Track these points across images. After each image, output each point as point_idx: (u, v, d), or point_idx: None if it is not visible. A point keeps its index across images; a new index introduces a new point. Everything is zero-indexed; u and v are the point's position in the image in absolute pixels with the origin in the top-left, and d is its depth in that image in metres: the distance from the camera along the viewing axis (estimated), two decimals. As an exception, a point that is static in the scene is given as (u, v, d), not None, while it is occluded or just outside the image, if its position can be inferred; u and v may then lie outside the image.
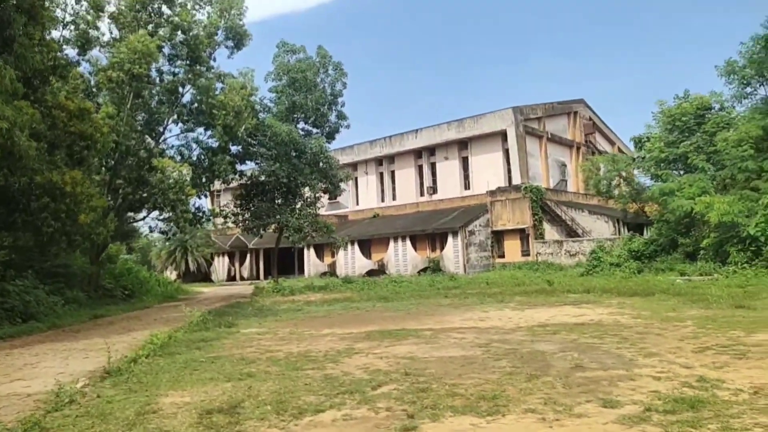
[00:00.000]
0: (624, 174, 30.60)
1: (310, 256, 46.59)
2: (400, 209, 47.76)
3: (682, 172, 23.11)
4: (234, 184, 29.54)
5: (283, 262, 51.57)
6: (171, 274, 48.53)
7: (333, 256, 45.49)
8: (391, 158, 49.26)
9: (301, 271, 46.86)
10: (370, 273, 41.50)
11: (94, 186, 16.65)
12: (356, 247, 43.09)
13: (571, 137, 47.75)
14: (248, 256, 49.88)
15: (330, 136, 29.60)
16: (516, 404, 5.27)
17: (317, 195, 29.35)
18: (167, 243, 48.83)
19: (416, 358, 8.15)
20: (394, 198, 49.47)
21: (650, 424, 4.44)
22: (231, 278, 50.27)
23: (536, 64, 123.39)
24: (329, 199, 32.04)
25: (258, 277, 48.50)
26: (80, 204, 14.28)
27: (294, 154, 27.49)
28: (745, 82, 24.32)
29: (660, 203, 22.26)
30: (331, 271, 45.20)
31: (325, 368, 7.76)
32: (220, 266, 51.54)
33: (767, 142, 21.37)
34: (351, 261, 43.61)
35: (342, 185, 29.99)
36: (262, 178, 26.97)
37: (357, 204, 50.26)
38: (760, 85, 24.58)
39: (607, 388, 5.75)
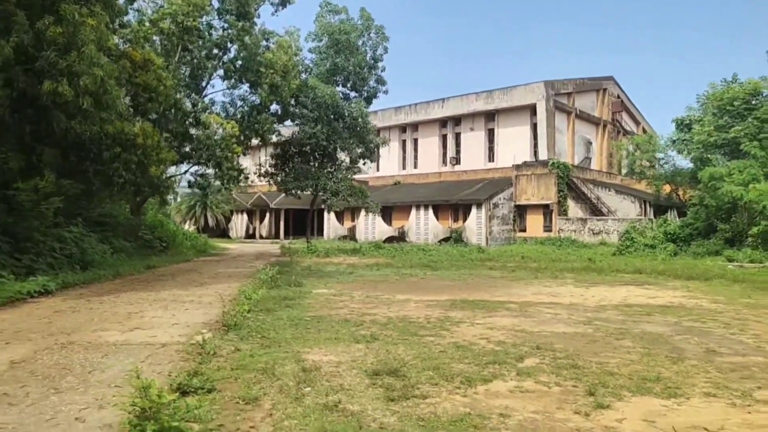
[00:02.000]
0: (660, 155, 30.41)
1: (330, 219, 46.74)
2: (421, 178, 47.72)
3: (728, 158, 23.00)
4: (270, 143, 29.37)
5: (302, 223, 51.98)
6: (189, 229, 48.77)
7: (353, 220, 45.70)
8: (414, 126, 48.93)
9: (320, 233, 47.06)
10: (390, 239, 41.72)
11: (162, 138, 16.55)
12: (377, 213, 43.22)
13: (599, 115, 47.35)
14: (267, 215, 50.01)
15: (368, 101, 29.32)
16: (687, 387, 5.39)
17: (354, 159, 29.23)
18: (187, 197, 48.94)
19: (528, 331, 8.28)
20: (415, 166, 49.36)
21: None
22: (249, 236, 50.58)
23: (564, 36, 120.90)
24: (363, 164, 31.88)
25: (277, 236, 48.78)
26: (150, 156, 14.22)
27: (333, 117, 27.25)
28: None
29: (708, 187, 22.26)
30: (351, 235, 45.47)
31: (443, 336, 7.89)
32: (239, 223, 51.77)
33: (820, 133, 21.34)
34: (371, 226, 43.83)
35: (383, 151, 29.82)
36: (303, 139, 26.79)
37: (378, 170, 50.11)
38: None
39: (762, 374, 5.88)
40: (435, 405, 4.87)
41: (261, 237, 49.48)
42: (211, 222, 49.46)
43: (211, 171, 25.13)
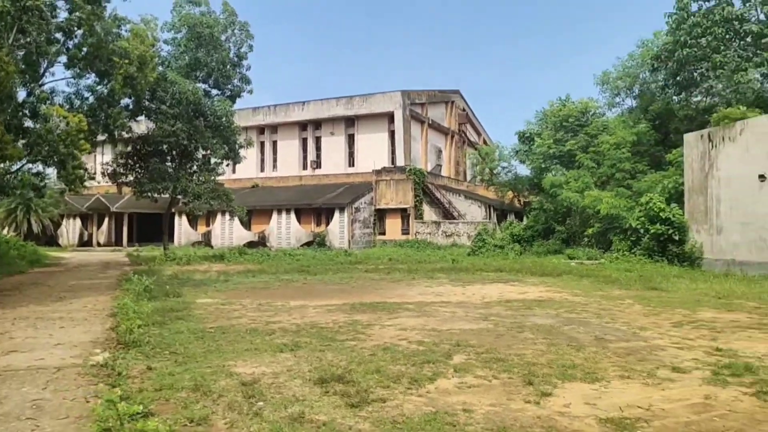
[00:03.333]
0: (504, 164, 33.59)
1: (182, 223, 43.87)
2: (281, 181, 46.95)
3: (565, 168, 26.24)
4: (119, 140, 26.66)
5: (146, 229, 47.86)
6: (9, 235, 42.29)
7: (208, 224, 43.40)
8: (274, 128, 48.02)
9: (170, 238, 43.84)
10: (249, 244, 40.39)
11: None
12: (235, 217, 41.62)
13: (448, 125, 50.70)
14: (107, 219, 45.31)
15: (232, 99, 28.09)
16: (601, 372, 6.10)
17: (217, 160, 27.75)
18: (7, 200, 42.43)
19: (438, 329, 8.68)
20: (275, 169, 48.42)
21: (736, 385, 5.55)
22: (83, 243, 45.31)
23: (416, 49, 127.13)
24: (227, 165, 30.44)
25: (118, 243, 44.41)
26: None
27: (194, 114, 25.67)
28: (616, 92, 28.20)
29: (549, 194, 25.12)
30: (206, 240, 43.11)
31: (362, 339, 7.95)
32: (71, 229, 46.14)
33: (639, 147, 25.32)
34: (229, 231, 42.05)
35: (242, 152, 28.72)
36: (160, 138, 24.74)
37: (234, 172, 48.12)
38: (626, 97, 28.71)
39: (651, 356, 6.87)
40: (398, 407, 4.93)
41: (99, 244, 44.59)
42: (35, 228, 43.28)
43: (50, 170, 22.17)
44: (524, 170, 33.91)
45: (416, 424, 4.48)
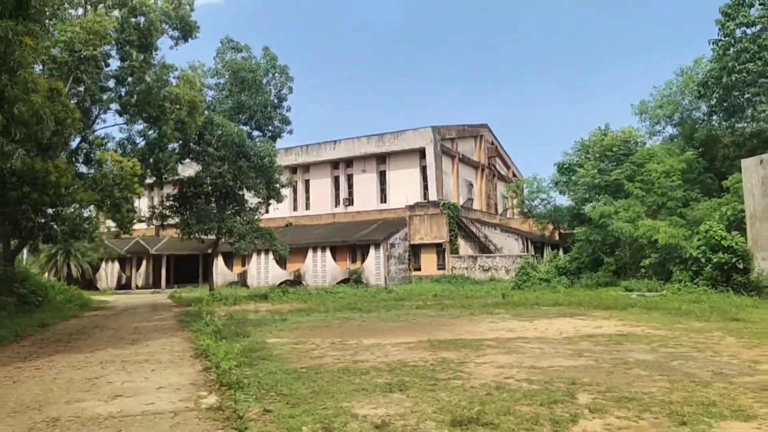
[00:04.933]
0: (543, 196, 33.29)
1: (218, 264, 44.06)
2: (314, 219, 47.17)
3: (612, 198, 25.81)
4: (166, 183, 27.17)
5: (183, 271, 48.23)
6: (50, 280, 42.97)
7: (243, 264, 43.60)
8: (306, 167, 48.59)
9: (205, 279, 44.07)
10: (284, 283, 40.34)
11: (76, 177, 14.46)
12: (270, 256, 41.78)
13: (477, 159, 50.74)
14: (145, 262, 45.82)
15: (273, 140, 28.55)
16: (748, 409, 5.71)
17: (259, 201, 28.02)
18: (47, 245, 43.28)
19: (538, 367, 8.32)
20: (307, 208, 48.74)
21: None
22: (121, 286, 45.78)
23: (444, 86, 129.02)
24: (268, 205, 30.71)
25: (156, 285, 44.73)
26: (64, 196, 12.37)
27: (239, 156, 26.07)
28: (656, 120, 27.93)
29: (598, 224, 24.67)
30: (242, 281, 43.24)
31: (464, 378, 7.64)
32: (110, 273, 46.74)
33: (688, 175, 24.93)
34: (264, 271, 42.16)
35: (284, 191, 28.97)
36: (207, 179, 25.13)
37: (266, 212, 48.60)
38: (666, 125, 28.41)
39: (787, 389, 6.44)
40: (557, 451, 4.62)
41: (137, 287, 45.02)
42: (75, 272, 44.01)
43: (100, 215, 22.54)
44: (563, 201, 33.54)
45: (592, 470, 4.16)
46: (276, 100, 28.61)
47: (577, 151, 31.48)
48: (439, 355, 9.48)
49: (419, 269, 41.04)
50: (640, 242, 22.86)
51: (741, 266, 18.78)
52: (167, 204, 26.96)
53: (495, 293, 24.80)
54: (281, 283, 39.79)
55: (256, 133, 28.61)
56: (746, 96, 24.74)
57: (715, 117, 27.20)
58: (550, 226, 34.37)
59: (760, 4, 24.77)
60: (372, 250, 38.82)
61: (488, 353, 9.62)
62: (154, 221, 27.30)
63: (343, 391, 6.92)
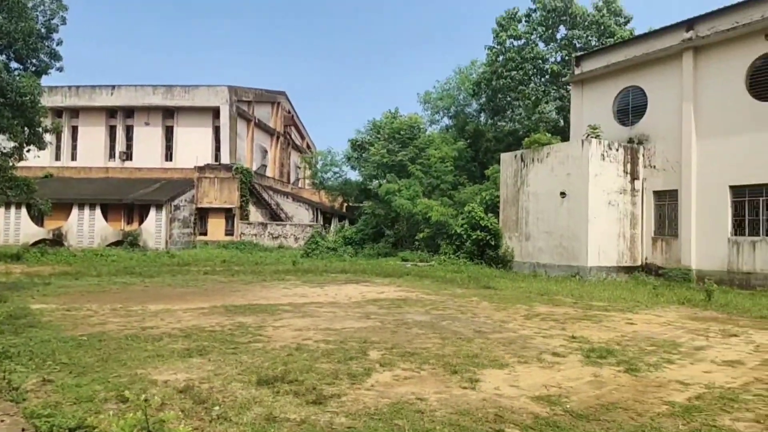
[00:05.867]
0: (336, 169, 34.66)
1: (-52, 216, 36.25)
2: (81, 172, 41.73)
3: (398, 177, 28.10)
4: None
5: None
6: None
7: (-16, 219, 36.58)
8: (74, 112, 42.59)
9: (-71, 234, 35.93)
10: (40, 242, 35.26)
11: None
12: (23, 211, 36.12)
13: (274, 126, 50.27)
14: None
15: (37, 76, 24.23)
16: (502, 359, 7.00)
17: (15, 145, 23.54)
18: None
19: (333, 329, 8.89)
20: (74, 158, 42.88)
21: (607, 363, 6.86)
22: None
23: (242, 49, 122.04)
24: (27, 151, 25.95)
25: None
26: None
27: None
28: (436, 110, 31.09)
29: (384, 200, 26.65)
30: (-19, 236, 36.31)
31: (264, 340, 7.83)
32: None
33: (459, 162, 28.32)
34: (14, 227, 36.12)
35: (47, 137, 24.89)
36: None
37: (21, 159, 41.30)
38: (444, 116, 31.84)
39: (528, 344, 8.02)
40: (357, 401, 5.13)
41: None
42: None
43: None
44: (354, 176, 35.35)
45: (389, 414, 4.74)
46: (44, 30, 24.24)
47: (369, 130, 33.38)
48: (236, 320, 9.47)
49: (205, 234, 39.43)
50: (417, 218, 25.51)
51: (493, 243, 22.28)
52: None
53: (285, 260, 25.22)
54: (37, 243, 34.64)
55: (15, 65, 23.94)
56: (508, 99, 29.11)
57: (483, 114, 31.42)
58: (340, 199, 36.00)
59: (526, 21, 29.20)
60: (153, 212, 36.04)
61: (285, 317, 9.93)
62: None
63: (136, 358, 6.54)
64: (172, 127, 42.46)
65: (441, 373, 6.22)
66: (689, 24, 19.22)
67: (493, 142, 31.03)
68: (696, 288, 16.15)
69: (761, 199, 17.16)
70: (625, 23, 29.46)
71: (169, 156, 42.52)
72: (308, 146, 58.83)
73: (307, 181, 50.99)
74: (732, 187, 17.84)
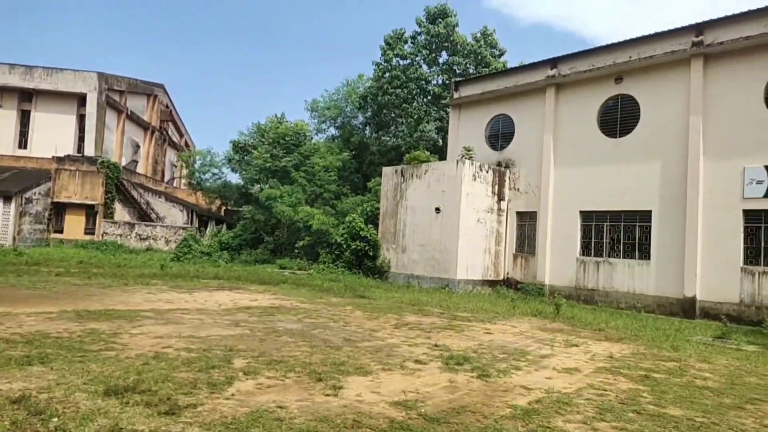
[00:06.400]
0: (215, 170, 33.36)
1: None
2: None
3: (281, 183, 27.65)
4: None
5: None
6: None
7: None
8: None
9: None
10: None
11: None
12: None
13: (148, 119, 47.34)
14: None
15: None
16: (367, 367, 7.18)
17: None
18: None
19: (197, 336, 8.54)
20: None
21: (463, 370, 7.30)
22: None
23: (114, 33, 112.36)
24: None
25: None
26: None
27: None
28: (323, 119, 31.23)
29: (264, 206, 26.05)
30: None
31: (118, 349, 7.32)
32: None
33: (343, 172, 28.52)
34: None
35: None
36: None
37: None
38: (331, 126, 32.07)
39: (394, 352, 8.30)
40: (214, 410, 4.99)
41: None
42: None
43: None
44: (234, 179, 34.26)
45: (245, 424, 4.67)
46: None
47: (253, 133, 32.63)
48: (87, 327, 8.75)
49: (62, 231, 35.95)
50: (297, 225, 25.33)
51: (371, 254, 22.76)
52: None
53: (153, 264, 23.72)
54: None
55: None
56: (392, 115, 30.06)
57: (368, 127, 32.10)
58: (218, 202, 34.66)
59: (412, 43, 30.44)
60: (1, 204, 32.16)
61: (145, 324, 9.35)
62: None
63: (-35, 368, 5.81)
64: (29, 111, 38.40)
65: (306, 381, 6.25)
66: (553, 62, 21.26)
67: (377, 155, 31.78)
68: (548, 302, 17.73)
69: (605, 224, 19.35)
70: (500, 56, 31.89)
71: (23, 143, 38.39)
72: (187, 144, 56.08)
73: (183, 181, 48.54)
74: (582, 212, 19.92)
